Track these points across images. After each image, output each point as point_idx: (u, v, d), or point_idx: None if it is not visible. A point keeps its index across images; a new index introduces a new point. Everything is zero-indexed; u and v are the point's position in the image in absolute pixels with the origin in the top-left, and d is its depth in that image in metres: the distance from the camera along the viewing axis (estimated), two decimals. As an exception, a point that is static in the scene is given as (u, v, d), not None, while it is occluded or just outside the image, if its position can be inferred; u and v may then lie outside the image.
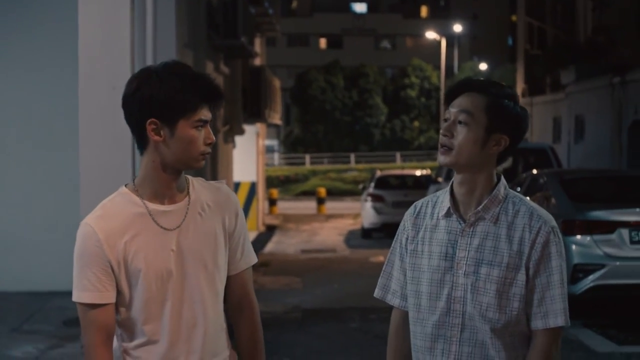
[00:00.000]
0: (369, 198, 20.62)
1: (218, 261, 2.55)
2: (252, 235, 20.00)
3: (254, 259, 2.67)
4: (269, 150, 50.34)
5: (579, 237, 9.05)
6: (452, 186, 2.62)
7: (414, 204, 2.74)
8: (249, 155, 21.57)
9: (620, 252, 8.97)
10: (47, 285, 10.26)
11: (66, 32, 9.42)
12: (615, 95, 21.68)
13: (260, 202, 22.71)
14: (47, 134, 10.67)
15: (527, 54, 33.54)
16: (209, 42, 14.00)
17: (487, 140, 2.53)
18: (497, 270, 2.51)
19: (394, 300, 2.73)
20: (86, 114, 7.77)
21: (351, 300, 10.88)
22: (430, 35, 45.50)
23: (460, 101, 2.55)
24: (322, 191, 30.24)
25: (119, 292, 2.47)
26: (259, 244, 18.62)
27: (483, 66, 54.93)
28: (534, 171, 11.58)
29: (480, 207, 2.55)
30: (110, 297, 2.45)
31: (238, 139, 18.63)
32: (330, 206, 30.68)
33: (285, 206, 31.76)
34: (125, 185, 2.53)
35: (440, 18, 60.58)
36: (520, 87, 32.68)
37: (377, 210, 20.28)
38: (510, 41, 60.91)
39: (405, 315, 2.70)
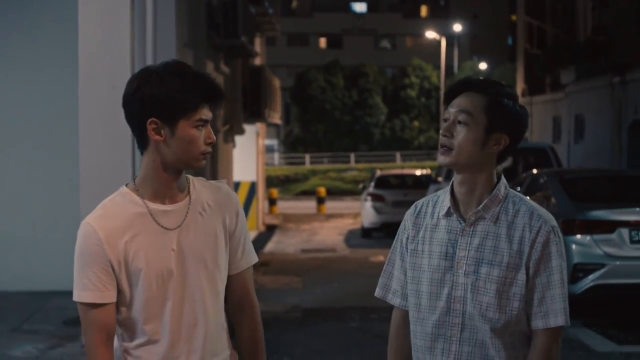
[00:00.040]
0: (369, 197, 20.63)
1: (219, 261, 2.55)
2: (252, 234, 19.99)
3: (254, 259, 2.67)
4: (269, 149, 50.34)
5: (579, 236, 9.05)
6: (452, 186, 2.62)
7: (415, 203, 2.74)
8: (248, 154, 21.57)
9: (620, 251, 8.97)
10: (47, 284, 10.27)
11: (66, 32, 9.42)
12: (615, 94, 21.68)
13: (260, 202, 22.71)
14: (47, 134, 10.67)
15: (527, 54, 33.53)
16: (209, 42, 14.00)
17: (487, 140, 2.53)
18: (497, 269, 2.51)
19: (394, 300, 2.73)
20: (86, 114, 7.77)
21: (351, 300, 10.89)
22: (430, 34, 45.50)
23: (460, 101, 2.55)
24: (322, 191, 30.25)
25: (119, 292, 2.47)
26: (258, 243, 18.62)
27: (483, 66, 54.93)
28: (534, 171, 11.59)
29: (481, 206, 2.55)
30: (110, 297, 2.45)
31: (238, 138, 18.63)
32: (330, 206, 30.68)
33: (285, 206, 31.75)
34: (126, 185, 2.53)
35: (440, 18, 60.58)
36: (520, 86, 32.68)
37: (377, 210, 20.28)
38: (510, 41, 60.91)
39: (406, 315, 2.70)
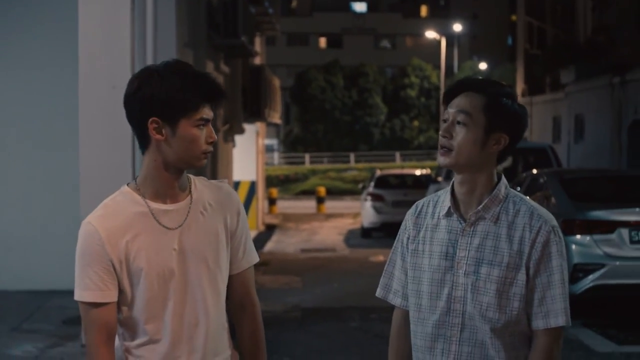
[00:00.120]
0: (369, 197, 20.63)
1: (220, 260, 2.55)
2: (252, 234, 19.91)
3: (255, 258, 2.67)
4: (269, 149, 50.34)
5: (578, 236, 9.04)
6: (453, 186, 2.62)
7: (415, 203, 2.74)
8: (248, 154, 21.58)
9: (620, 251, 8.97)
10: (47, 284, 10.27)
11: (66, 32, 9.42)
12: (615, 95, 21.68)
13: (260, 202, 22.71)
14: (47, 134, 10.67)
15: (526, 54, 33.54)
16: (209, 42, 14.01)
17: (487, 140, 2.53)
18: (497, 269, 2.51)
19: (395, 300, 2.73)
20: (86, 113, 7.77)
21: (351, 300, 10.89)
22: (430, 34, 45.48)
23: (458, 101, 2.55)
24: (322, 190, 30.25)
25: (120, 291, 2.47)
26: (258, 243, 18.62)
27: (483, 66, 54.94)
28: (534, 171, 11.58)
29: (481, 206, 2.55)
30: (112, 296, 2.45)
31: (238, 138, 18.63)
32: (330, 205, 30.68)
33: (285, 205, 31.75)
34: (127, 185, 2.53)
35: (440, 17, 60.58)
36: (520, 86, 32.69)
37: (377, 210, 20.28)
38: (510, 41, 60.92)
39: (406, 315, 2.70)
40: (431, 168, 27.00)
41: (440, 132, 2.57)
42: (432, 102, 52.84)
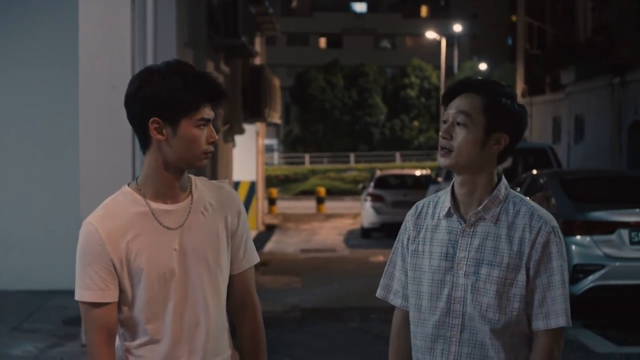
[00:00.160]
0: (369, 198, 20.62)
1: (220, 260, 2.55)
2: (252, 234, 19.92)
3: (256, 258, 2.67)
4: (269, 149, 50.34)
5: (578, 237, 9.04)
6: (453, 186, 2.62)
7: (416, 204, 2.74)
8: (248, 154, 21.58)
9: (620, 252, 8.97)
10: (47, 284, 10.27)
11: (66, 32, 9.42)
12: (615, 95, 21.68)
13: (260, 202, 22.71)
14: (47, 134, 10.67)
15: (527, 54, 33.54)
16: (210, 42, 14.01)
17: (487, 141, 2.53)
18: (497, 270, 2.51)
19: (395, 301, 2.73)
20: (86, 113, 7.77)
21: (351, 300, 10.88)
22: (430, 35, 45.48)
23: (458, 102, 2.55)
24: (322, 191, 30.24)
25: (121, 291, 2.47)
26: (258, 243, 18.61)
27: (483, 66, 54.93)
28: (534, 171, 11.58)
29: (481, 207, 2.55)
30: (112, 296, 2.45)
31: (238, 138, 18.63)
32: (330, 206, 30.67)
33: (285, 205, 31.74)
34: (128, 185, 2.53)
35: (440, 18, 60.57)
36: (520, 87, 32.69)
37: (377, 210, 20.27)
38: (510, 41, 60.90)
39: (407, 316, 2.70)
40: (431, 168, 26.99)
41: (440, 133, 2.57)
42: (432, 102, 52.83)
